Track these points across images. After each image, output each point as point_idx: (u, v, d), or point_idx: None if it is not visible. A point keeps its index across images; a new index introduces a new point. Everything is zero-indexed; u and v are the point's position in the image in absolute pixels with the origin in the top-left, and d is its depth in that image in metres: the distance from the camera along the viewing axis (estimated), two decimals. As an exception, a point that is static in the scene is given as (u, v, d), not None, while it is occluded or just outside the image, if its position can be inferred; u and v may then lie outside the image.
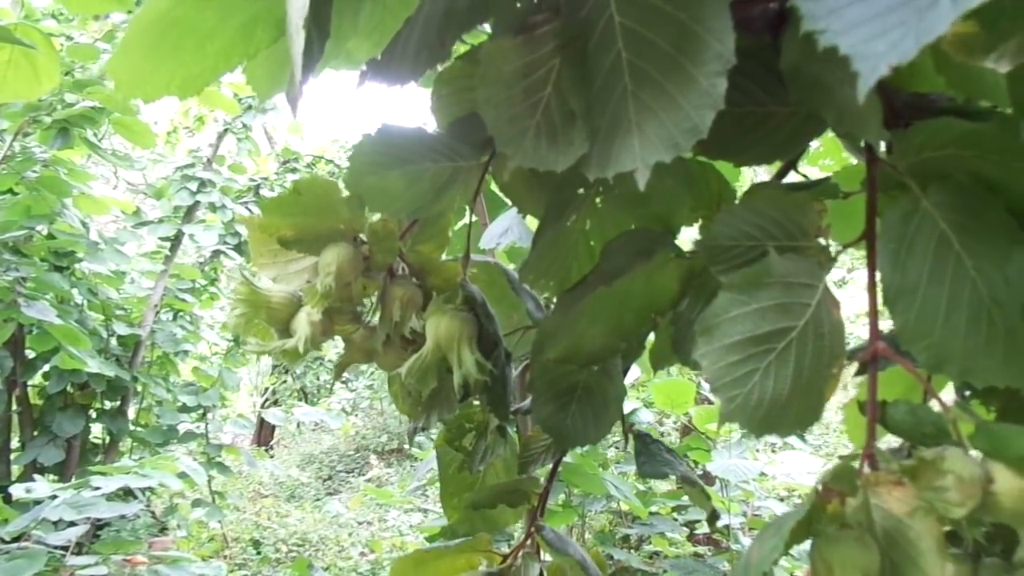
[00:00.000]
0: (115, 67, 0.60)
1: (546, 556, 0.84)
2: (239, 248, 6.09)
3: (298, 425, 10.63)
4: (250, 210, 6.05)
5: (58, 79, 1.41)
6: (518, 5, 0.53)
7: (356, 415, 10.32)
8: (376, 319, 0.73)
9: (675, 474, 0.76)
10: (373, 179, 0.70)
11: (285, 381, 10.90)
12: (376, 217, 0.74)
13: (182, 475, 4.34)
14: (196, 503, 5.49)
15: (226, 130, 5.62)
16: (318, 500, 8.11)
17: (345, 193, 0.72)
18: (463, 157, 0.70)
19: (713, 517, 0.77)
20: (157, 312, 5.29)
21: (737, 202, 0.58)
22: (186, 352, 5.67)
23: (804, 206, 0.56)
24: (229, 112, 4.29)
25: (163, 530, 6.10)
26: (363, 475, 8.69)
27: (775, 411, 0.50)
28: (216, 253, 5.96)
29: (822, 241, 0.56)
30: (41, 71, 1.35)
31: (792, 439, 3.82)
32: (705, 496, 0.75)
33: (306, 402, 10.51)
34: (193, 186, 5.42)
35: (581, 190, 0.68)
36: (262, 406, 10.24)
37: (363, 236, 0.74)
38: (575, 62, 0.52)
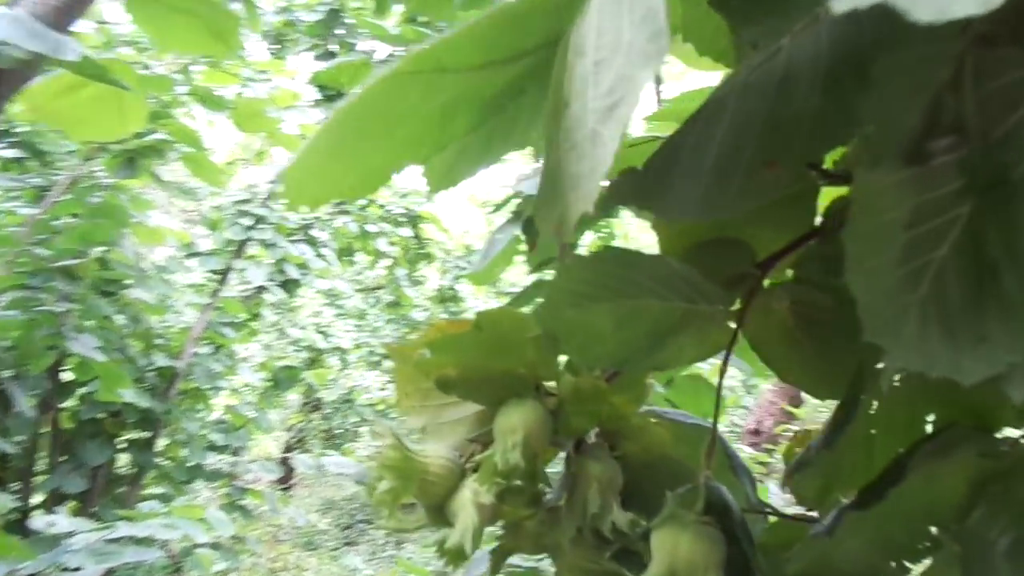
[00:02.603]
0: (291, 173, 0.43)
1: None
2: (285, 286, 6.02)
3: (320, 466, 10.35)
4: (300, 250, 5.98)
5: (144, 121, 1.27)
6: (906, 118, 0.34)
7: (381, 462, 10.02)
8: (561, 502, 0.54)
9: None
10: (573, 313, 0.52)
11: (312, 420, 10.69)
12: (563, 360, 0.56)
13: (203, 521, 4.17)
14: (215, 546, 5.28)
15: (286, 168, 5.56)
16: (336, 550, 7.84)
17: (535, 330, 0.54)
18: (705, 298, 0.51)
19: None
20: (197, 345, 5.19)
21: None
22: (220, 388, 5.56)
23: None
24: (294, 151, 4.20)
25: (177, 571, 5.90)
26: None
27: None
28: (261, 288, 5.89)
29: None
30: (128, 111, 1.21)
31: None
32: None
33: (332, 445, 10.28)
34: (247, 221, 5.35)
35: (880, 364, 0.49)
36: (287, 445, 10.04)
37: (549, 386, 0.55)
38: (997, 211, 0.33)
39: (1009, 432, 0.53)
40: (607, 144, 0.30)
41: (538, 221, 0.39)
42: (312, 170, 0.43)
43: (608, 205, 0.47)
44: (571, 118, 0.33)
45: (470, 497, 0.51)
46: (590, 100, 0.32)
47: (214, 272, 5.40)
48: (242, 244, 5.40)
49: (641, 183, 0.43)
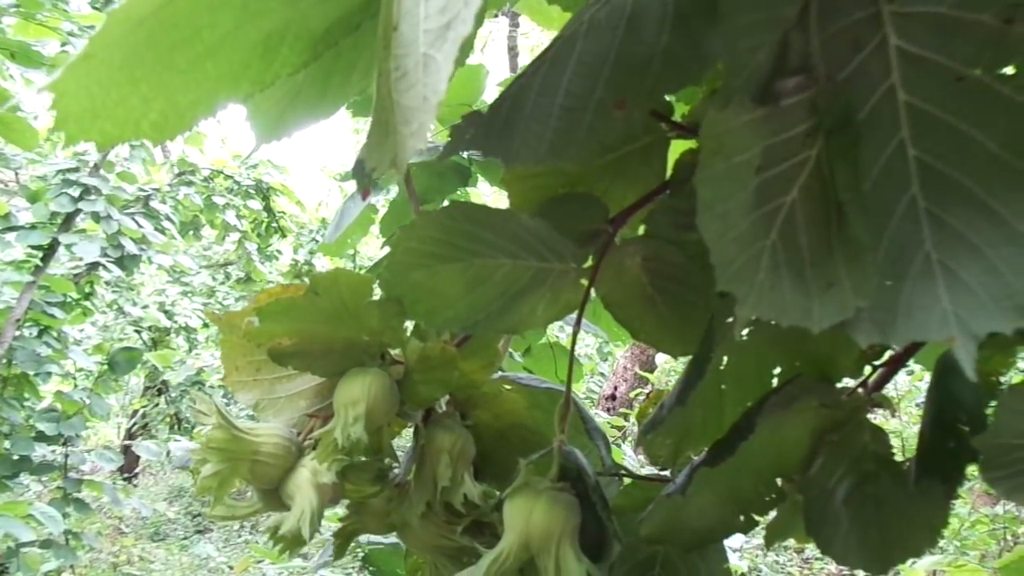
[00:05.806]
0: (62, 94, 0.35)
1: None
2: (122, 262, 5.62)
3: (167, 452, 9.72)
4: (138, 223, 5.60)
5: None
6: (754, 56, 0.33)
7: (234, 445, 9.58)
8: (410, 477, 0.50)
9: None
10: (420, 275, 0.48)
11: (157, 404, 10.07)
12: (411, 327, 0.52)
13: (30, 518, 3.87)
14: (45, 544, 4.89)
15: (119, 134, 5.14)
16: (186, 539, 7.46)
17: (378, 293, 0.49)
18: (557, 256, 0.49)
19: None
20: (19, 327, 4.76)
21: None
22: (49, 374, 5.14)
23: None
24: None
25: (2, 573, 5.43)
26: (238, 512, 8.05)
27: None
28: (94, 265, 5.46)
29: None
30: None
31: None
32: None
33: (179, 430, 9.73)
34: (75, 192, 4.92)
35: (730, 319, 0.49)
36: (129, 432, 9.40)
37: (394, 354, 0.51)
38: (845, 154, 0.32)
39: (848, 382, 0.54)
40: (440, 69, 0.26)
41: (369, 161, 0.34)
42: (97, 99, 0.36)
43: (450, 151, 0.43)
44: (400, 42, 0.29)
45: (308, 477, 0.46)
46: (422, 20, 0.28)
47: (36, 248, 4.95)
48: (70, 217, 4.97)
49: (487, 128, 0.39)
